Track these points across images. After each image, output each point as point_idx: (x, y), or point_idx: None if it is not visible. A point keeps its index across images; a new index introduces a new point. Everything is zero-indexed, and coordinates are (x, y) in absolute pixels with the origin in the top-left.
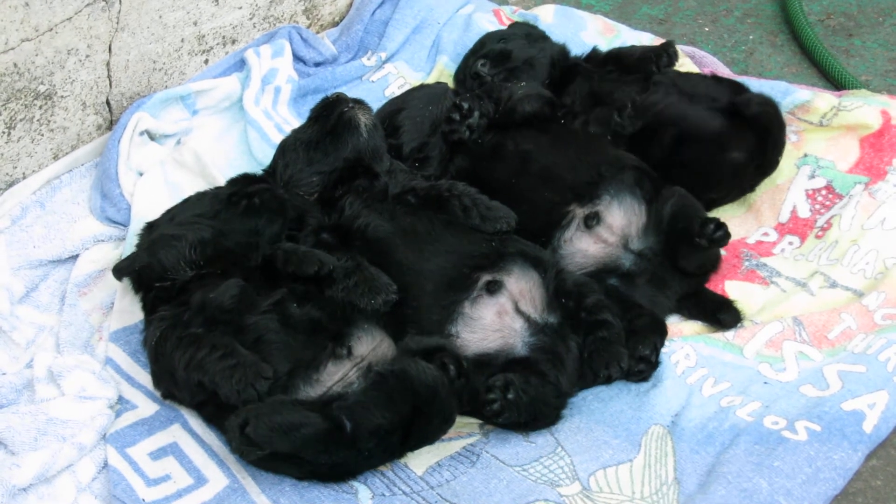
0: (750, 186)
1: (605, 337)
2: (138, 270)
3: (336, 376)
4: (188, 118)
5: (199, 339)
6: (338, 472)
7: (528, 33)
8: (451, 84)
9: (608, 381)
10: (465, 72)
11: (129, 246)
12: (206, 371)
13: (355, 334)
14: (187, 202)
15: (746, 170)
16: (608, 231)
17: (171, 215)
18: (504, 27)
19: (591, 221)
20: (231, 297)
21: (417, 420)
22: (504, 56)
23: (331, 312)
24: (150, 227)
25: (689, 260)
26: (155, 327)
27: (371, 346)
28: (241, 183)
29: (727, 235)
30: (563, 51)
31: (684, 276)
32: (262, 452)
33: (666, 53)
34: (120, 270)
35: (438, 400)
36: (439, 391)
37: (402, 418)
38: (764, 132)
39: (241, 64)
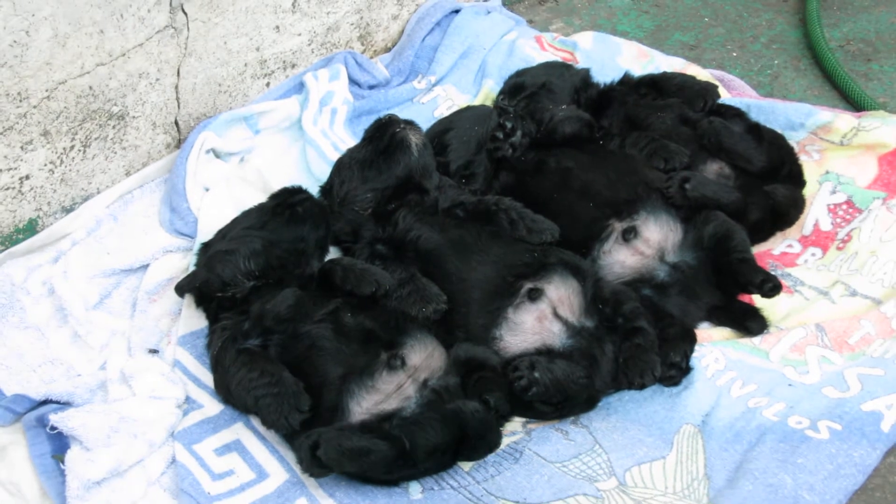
0: (766, 238)
1: (640, 344)
2: (199, 286)
3: (392, 385)
4: (251, 137)
5: (252, 359)
6: (393, 482)
7: (548, 64)
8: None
9: (641, 388)
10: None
11: (195, 257)
12: (250, 395)
13: (408, 343)
14: (236, 220)
15: (763, 226)
16: (645, 244)
17: (222, 233)
18: (545, 52)
19: (629, 235)
20: (287, 307)
21: (466, 444)
22: (518, 87)
23: (383, 322)
24: (206, 246)
25: (730, 286)
26: (217, 337)
27: (423, 355)
28: (283, 195)
29: (779, 293)
30: (585, 76)
31: (717, 289)
32: (330, 473)
33: (704, 100)
34: (181, 288)
35: (486, 438)
36: (487, 434)
37: (454, 438)
38: (782, 216)
39: (301, 87)
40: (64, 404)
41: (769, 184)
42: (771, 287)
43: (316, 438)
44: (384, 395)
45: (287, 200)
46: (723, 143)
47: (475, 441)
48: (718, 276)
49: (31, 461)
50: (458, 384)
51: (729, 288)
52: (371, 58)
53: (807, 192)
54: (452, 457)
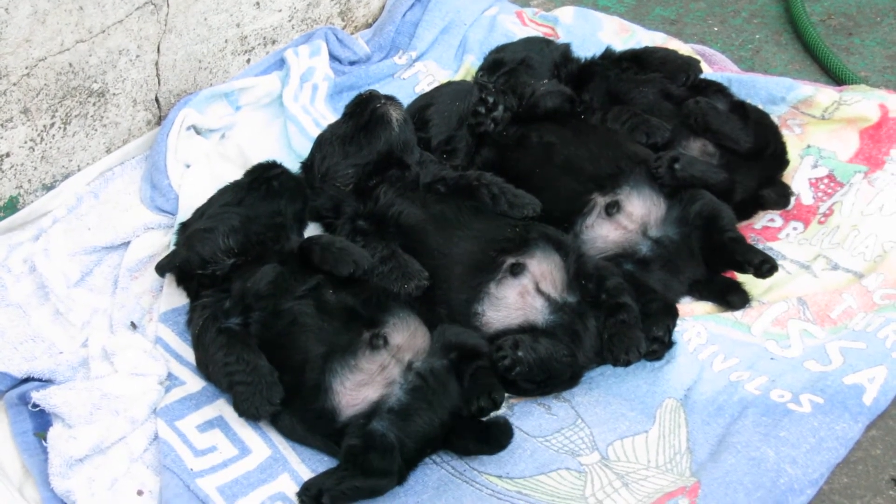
0: (749, 216)
1: (624, 320)
2: (179, 265)
3: (375, 365)
4: (232, 114)
5: (230, 342)
6: None
7: (527, 40)
8: None
9: (626, 365)
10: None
11: (174, 236)
12: (226, 379)
13: (390, 321)
14: (212, 198)
15: (746, 206)
16: (628, 219)
17: (200, 212)
18: (527, 27)
19: (612, 209)
20: (267, 284)
21: (479, 444)
22: (497, 63)
23: (365, 299)
24: (184, 225)
25: (720, 264)
26: (198, 315)
27: (406, 334)
28: (258, 171)
29: (774, 273)
30: (565, 51)
31: (700, 264)
32: None
33: (687, 75)
34: (162, 267)
35: (505, 446)
36: (508, 444)
37: (442, 424)
38: (767, 207)
39: (281, 63)
40: (46, 382)
41: (754, 162)
42: (769, 268)
43: (319, 488)
44: (368, 374)
45: (262, 175)
46: (710, 124)
47: (496, 447)
48: (706, 252)
49: (14, 439)
50: (443, 367)
51: (716, 264)
52: (352, 33)
53: (789, 166)
54: (442, 442)
